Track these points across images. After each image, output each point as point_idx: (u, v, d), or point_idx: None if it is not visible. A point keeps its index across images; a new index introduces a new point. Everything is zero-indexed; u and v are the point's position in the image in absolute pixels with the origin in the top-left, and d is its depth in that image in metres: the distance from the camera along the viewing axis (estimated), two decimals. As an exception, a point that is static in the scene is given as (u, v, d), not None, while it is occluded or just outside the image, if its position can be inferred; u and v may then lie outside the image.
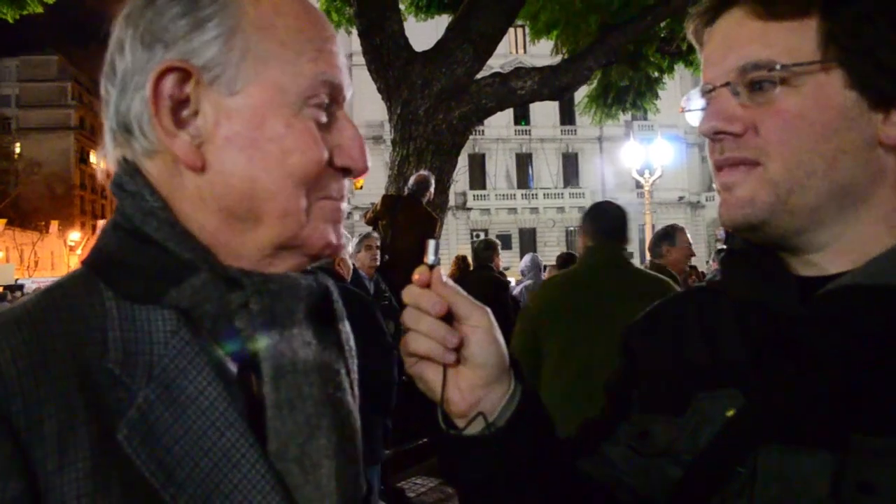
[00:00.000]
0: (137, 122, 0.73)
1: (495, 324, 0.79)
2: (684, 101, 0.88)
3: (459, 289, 0.78)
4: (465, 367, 0.77)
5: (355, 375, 0.87)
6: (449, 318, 0.76)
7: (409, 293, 0.77)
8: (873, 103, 0.77)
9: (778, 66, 0.77)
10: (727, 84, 0.80)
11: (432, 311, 0.75)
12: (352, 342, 0.87)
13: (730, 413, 0.80)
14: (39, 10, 9.82)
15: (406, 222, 6.38)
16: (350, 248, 3.76)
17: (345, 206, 0.80)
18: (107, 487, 0.62)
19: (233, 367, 0.71)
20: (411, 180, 6.62)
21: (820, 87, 0.77)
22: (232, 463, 0.67)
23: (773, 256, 0.83)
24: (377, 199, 6.91)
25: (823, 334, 0.76)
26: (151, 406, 0.66)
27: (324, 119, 0.76)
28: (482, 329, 0.77)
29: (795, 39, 0.77)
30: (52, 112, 59.54)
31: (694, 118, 0.87)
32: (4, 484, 0.59)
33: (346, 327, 0.86)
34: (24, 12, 9.85)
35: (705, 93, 0.84)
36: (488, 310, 0.79)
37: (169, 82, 0.72)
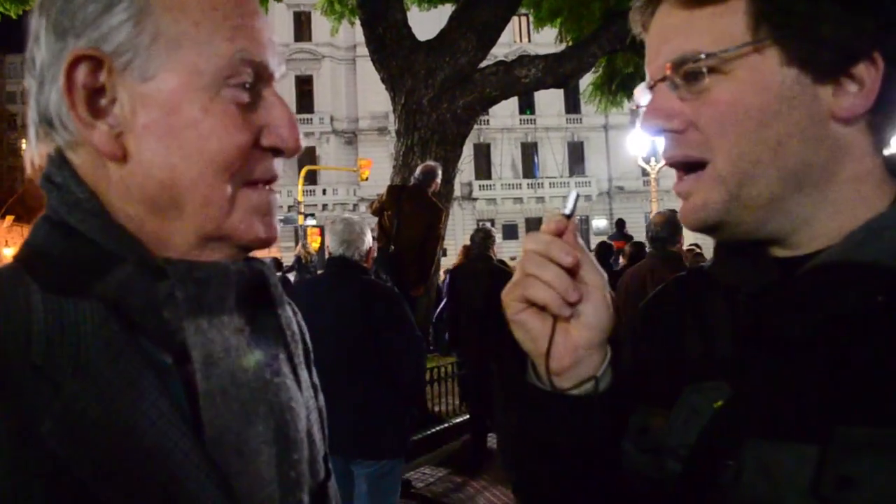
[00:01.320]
0: (57, 115, 0.72)
1: (608, 288, 0.78)
2: (635, 97, 0.85)
3: (584, 246, 0.76)
4: (573, 326, 0.75)
5: (301, 359, 0.85)
6: (570, 273, 0.74)
7: (539, 239, 0.75)
8: (817, 77, 0.73)
9: (703, 56, 0.73)
10: (664, 79, 0.78)
11: (562, 261, 0.73)
12: (294, 326, 0.85)
13: (717, 405, 0.77)
14: (42, 4, 9.80)
15: (412, 212, 6.37)
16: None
17: (276, 196, 0.78)
18: (28, 483, 0.60)
19: (167, 359, 0.70)
20: (418, 170, 6.61)
21: (753, 69, 0.73)
22: (164, 453, 0.65)
23: (754, 241, 0.80)
24: (382, 191, 6.90)
25: (802, 316, 0.73)
26: (77, 398, 0.63)
27: (246, 99, 0.73)
28: (599, 290, 0.76)
29: (722, 24, 0.74)
30: (58, 108, 59.35)
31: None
32: None
33: (286, 312, 0.84)
34: (27, 7, 9.85)
35: (649, 89, 0.81)
36: (605, 274, 0.78)
37: (82, 71, 0.70)
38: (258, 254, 0.80)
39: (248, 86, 0.73)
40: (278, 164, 0.77)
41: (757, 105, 0.73)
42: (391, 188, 6.82)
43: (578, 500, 0.81)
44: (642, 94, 0.82)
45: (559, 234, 0.75)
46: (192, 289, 0.70)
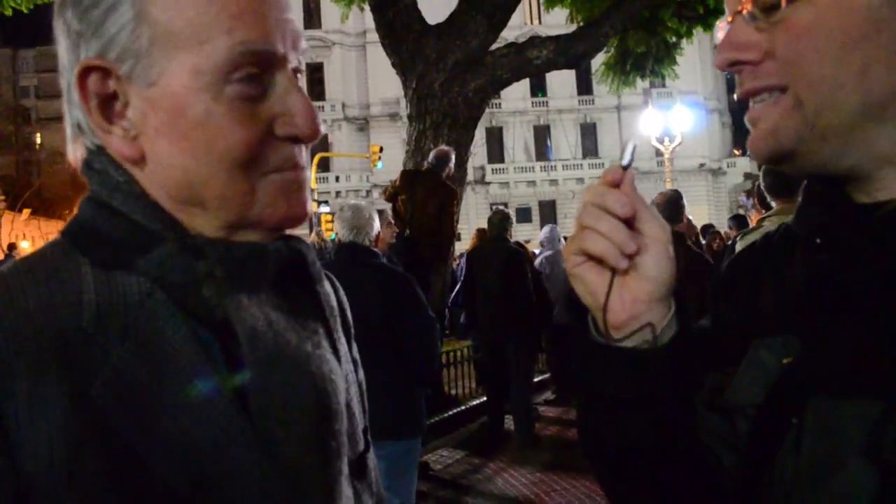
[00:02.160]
0: (83, 121, 0.74)
1: (671, 241, 0.74)
2: (716, 35, 0.80)
3: (643, 198, 0.74)
4: (633, 279, 0.73)
5: (339, 333, 0.86)
6: (628, 225, 0.72)
7: (595, 191, 0.72)
8: None
9: None
10: (741, 11, 0.73)
11: (618, 212, 0.71)
12: (333, 301, 0.87)
13: (786, 361, 0.74)
14: (52, -2, 9.84)
15: (425, 196, 6.38)
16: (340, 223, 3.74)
17: (305, 173, 0.77)
18: (80, 441, 0.63)
19: (207, 334, 0.72)
20: (431, 155, 6.62)
21: None
22: (210, 419, 0.67)
23: (832, 186, 0.76)
24: (395, 177, 6.91)
25: (875, 265, 0.69)
26: (126, 363, 0.66)
27: (255, 91, 0.72)
28: (660, 243, 0.73)
29: None
30: (71, 101, 59.62)
31: None
32: None
33: (324, 287, 0.85)
34: (39, 2, 9.88)
35: (728, 24, 0.76)
36: (668, 227, 0.75)
37: (92, 80, 0.71)
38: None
39: (255, 77, 0.71)
40: (300, 150, 0.76)
41: (840, 27, 0.69)
42: (404, 173, 6.83)
43: (646, 459, 0.78)
44: (721, 31, 0.78)
45: (615, 185, 0.72)
46: (232, 267, 0.72)
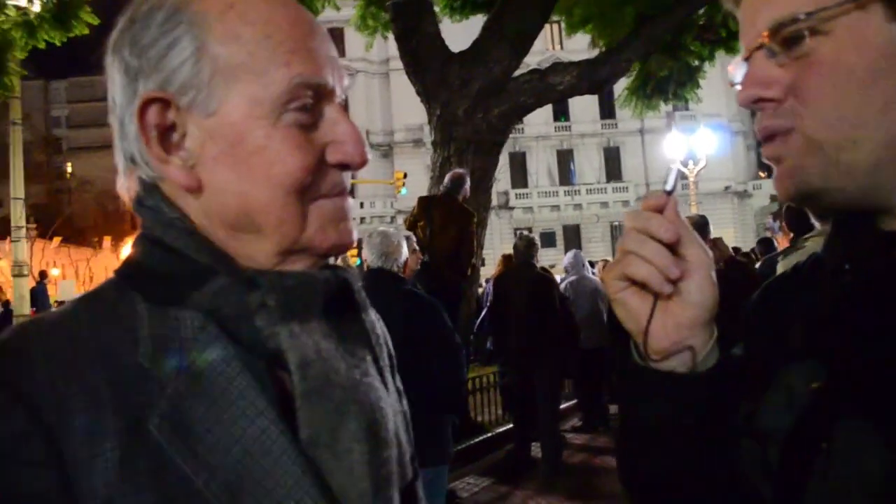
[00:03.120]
0: (138, 152, 0.76)
1: (714, 267, 0.75)
2: (730, 74, 0.80)
3: (686, 223, 0.74)
4: (675, 304, 0.73)
5: (386, 362, 0.88)
6: (671, 250, 0.72)
7: (639, 216, 0.73)
8: None
9: (802, 17, 0.70)
10: (761, 47, 0.74)
11: (662, 237, 0.71)
12: (378, 330, 0.88)
13: (815, 385, 0.74)
14: (85, 31, 10.05)
15: (442, 220, 6.43)
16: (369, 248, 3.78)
17: (349, 201, 0.81)
18: (136, 474, 0.65)
19: (260, 364, 0.74)
20: (446, 178, 6.68)
21: (855, 27, 0.69)
22: (263, 450, 0.69)
23: (860, 216, 0.76)
24: (419, 203, 6.95)
25: None
26: (182, 396, 0.68)
27: (308, 120, 0.76)
28: (703, 268, 0.73)
29: None
30: (101, 131, 60.80)
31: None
32: (37, 472, 0.63)
33: (370, 316, 0.87)
34: (71, 35, 10.12)
35: (745, 60, 0.77)
36: (710, 252, 0.75)
37: (152, 112, 0.74)
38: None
39: (308, 107, 0.75)
40: (347, 177, 0.80)
41: (861, 64, 0.69)
42: (421, 199, 6.89)
43: (684, 486, 0.77)
44: (737, 69, 0.79)
45: (659, 210, 0.73)
46: (283, 297, 0.74)
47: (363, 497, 0.74)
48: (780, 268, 3.68)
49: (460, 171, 6.82)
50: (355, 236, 0.82)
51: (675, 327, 0.73)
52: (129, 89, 0.75)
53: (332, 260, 0.83)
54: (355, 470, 0.74)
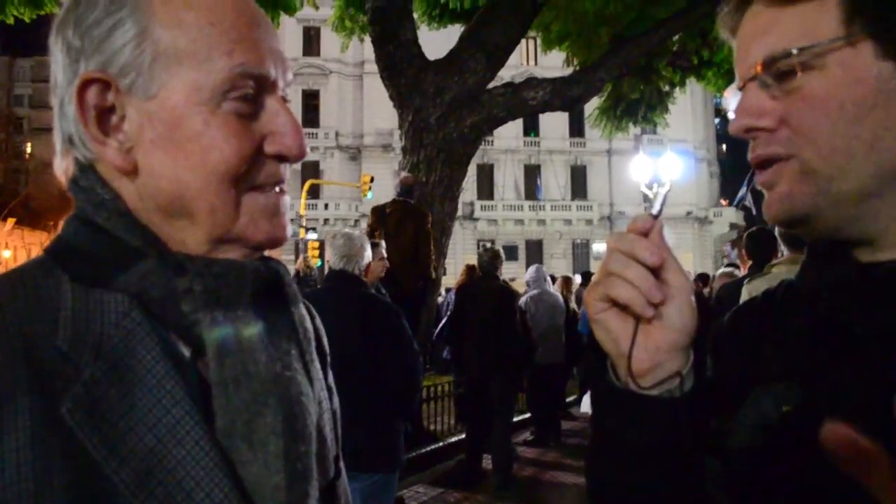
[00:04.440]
0: (76, 133, 0.76)
1: (693, 292, 0.75)
2: (724, 102, 0.83)
3: (669, 247, 0.74)
4: (656, 327, 0.73)
5: (312, 357, 0.87)
6: (654, 274, 0.73)
7: (624, 239, 0.73)
8: None
9: (794, 51, 0.72)
10: (754, 78, 0.77)
11: (647, 260, 0.71)
12: (307, 324, 0.88)
13: (786, 409, 0.75)
14: (56, 9, 9.88)
15: (396, 224, 6.53)
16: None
17: (285, 197, 0.81)
18: (47, 456, 0.64)
19: (185, 350, 0.74)
20: (397, 184, 6.83)
21: (846, 63, 0.71)
22: (176, 439, 0.68)
23: (837, 245, 0.78)
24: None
25: (875, 316, 0.71)
26: (97, 382, 0.67)
27: (248, 110, 0.76)
28: (684, 293, 0.73)
29: (813, 20, 0.73)
30: (64, 113, 59.79)
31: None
32: None
33: (299, 310, 0.86)
34: (41, 12, 9.93)
35: (739, 90, 0.80)
36: (690, 278, 0.76)
37: (92, 93, 0.74)
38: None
39: (249, 97, 0.76)
40: (285, 169, 0.80)
41: (852, 99, 0.71)
42: (374, 210, 6.97)
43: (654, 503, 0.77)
44: (731, 97, 0.81)
45: (644, 233, 0.73)
46: (210, 282, 0.74)
47: (277, 490, 0.73)
48: (745, 292, 3.74)
49: (409, 175, 6.94)
50: (289, 232, 0.82)
51: (654, 350, 0.73)
52: (70, 70, 0.75)
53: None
54: (270, 463, 0.73)
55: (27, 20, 9.89)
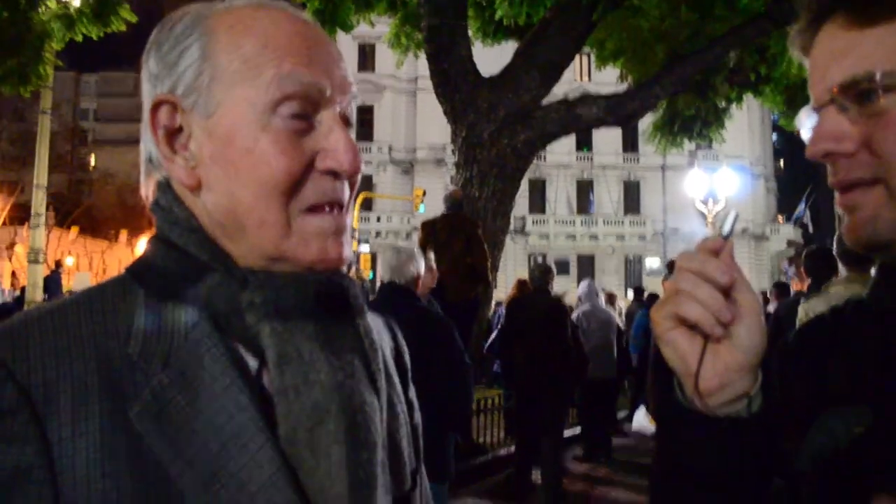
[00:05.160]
0: (153, 153, 0.82)
1: (763, 312, 0.75)
2: (798, 122, 0.82)
3: (739, 267, 0.74)
4: (725, 347, 0.72)
5: (378, 367, 0.86)
6: (724, 294, 0.72)
7: (694, 258, 0.73)
8: None
9: (878, 76, 0.71)
10: (832, 101, 0.75)
11: (718, 280, 0.71)
12: (374, 336, 0.87)
13: (858, 430, 0.74)
14: (123, 27, 10.22)
15: (447, 237, 6.53)
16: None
17: (344, 218, 0.82)
18: (115, 458, 0.68)
19: (251, 360, 0.77)
20: (444, 199, 6.82)
21: None
22: (240, 445, 0.71)
23: None
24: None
25: None
26: (165, 389, 0.71)
27: (300, 126, 0.78)
28: (754, 313, 0.73)
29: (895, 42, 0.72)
30: (127, 126, 61.26)
31: (807, 136, 0.81)
32: (21, 448, 0.66)
33: (364, 321, 0.86)
34: (109, 30, 10.27)
35: (815, 111, 0.79)
36: (760, 298, 0.76)
37: (162, 113, 0.80)
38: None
39: (301, 114, 0.78)
40: (342, 187, 0.81)
41: None
42: (423, 225, 6.98)
43: None
44: (806, 118, 0.80)
45: (715, 253, 0.72)
46: (270, 294, 0.77)
47: (339, 499, 0.74)
48: (802, 311, 3.68)
49: (457, 189, 6.97)
50: (347, 253, 0.82)
51: (722, 370, 0.73)
52: (150, 94, 0.81)
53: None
54: (333, 470, 0.74)
55: (95, 37, 10.23)
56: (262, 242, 0.77)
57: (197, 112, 0.78)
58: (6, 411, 0.66)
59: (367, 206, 41.66)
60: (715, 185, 21.34)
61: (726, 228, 0.75)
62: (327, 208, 0.79)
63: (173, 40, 0.80)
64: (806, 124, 0.80)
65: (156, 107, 0.80)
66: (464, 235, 6.55)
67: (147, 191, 0.85)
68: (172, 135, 0.80)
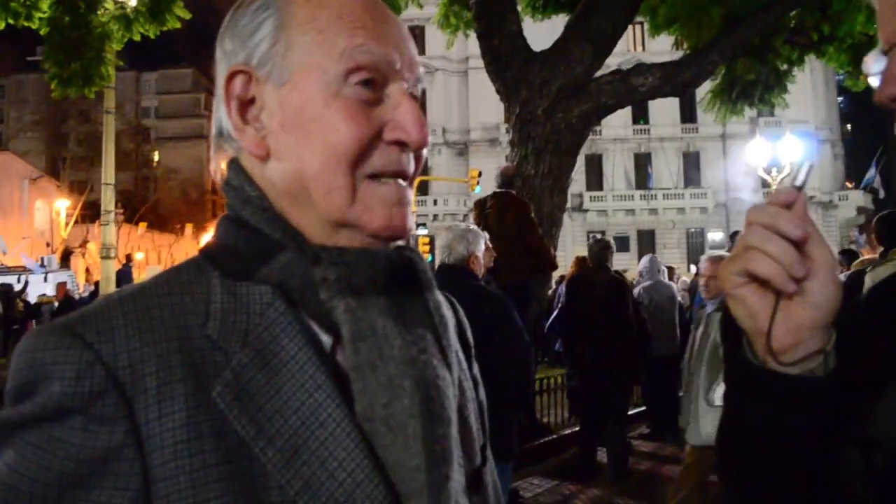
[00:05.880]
0: (224, 125, 0.83)
1: (839, 268, 0.72)
2: (865, 66, 0.77)
3: (813, 221, 0.71)
4: (797, 304, 0.70)
5: (449, 342, 0.87)
6: (796, 248, 0.69)
7: (765, 212, 0.70)
8: None
9: None
10: None
11: (790, 234, 0.68)
12: (444, 311, 0.88)
13: None
14: (178, 25, 10.42)
15: (497, 214, 6.47)
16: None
17: (407, 189, 0.82)
18: (200, 436, 0.69)
19: (325, 337, 0.78)
20: (496, 175, 6.76)
21: None
22: (319, 421, 0.72)
23: None
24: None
25: None
26: (245, 368, 0.72)
27: (369, 96, 0.79)
28: (828, 268, 0.70)
29: None
30: (187, 122, 62.99)
31: (876, 83, 0.76)
32: (111, 428, 0.68)
33: (434, 296, 0.87)
34: (165, 28, 10.50)
35: (884, 54, 0.74)
36: (835, 253, 0.72)
37: (237, 83, 0.81)
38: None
39: (370, 83, 0.79)
40: (407, 160, 0.82)
41: None
42: (476, 203, 6.96)
43: (787, 488, 0.74)
44: (875, 61, 0.76)
45: (787, 206, 0.70)
46: (343, 270, 0.77)
47: (417, 472, 0.75)
48: (869, 279, 3.56)
49: (509, 165, 6.90)
50: (410, 224, 0.83)
51: (794, 327, 0.70)
52: (223, 71, 0.82)
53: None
54: (409, 445, 0.75)
55: (152, 36, 10.47)
56: (329, 209, 0.78)
57: (271, 81, 0.80)
58: (96, 393, 0.68)
59: (423, 189, 41.91)
60: (779, 153, 20.71)
61: (800, 179, 0.71)
62: (392, 178, 0.81)
63: (250, 15, 0.81)
64: (874, 69, 0.75)
65: (231, 77, 0.81)
66: (513, 216, 6.48)
67: (216, 167, 0.86)
68: (245, 106, 0.81)
